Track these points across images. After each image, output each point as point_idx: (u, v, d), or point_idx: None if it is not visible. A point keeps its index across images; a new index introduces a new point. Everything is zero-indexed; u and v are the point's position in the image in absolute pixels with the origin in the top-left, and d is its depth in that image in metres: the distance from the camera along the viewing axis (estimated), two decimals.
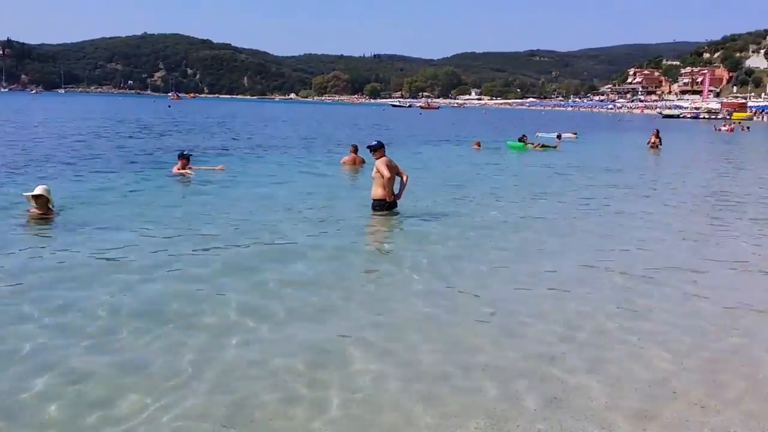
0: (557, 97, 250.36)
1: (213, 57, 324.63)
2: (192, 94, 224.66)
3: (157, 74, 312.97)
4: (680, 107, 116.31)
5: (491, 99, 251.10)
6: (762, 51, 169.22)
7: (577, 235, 9.54)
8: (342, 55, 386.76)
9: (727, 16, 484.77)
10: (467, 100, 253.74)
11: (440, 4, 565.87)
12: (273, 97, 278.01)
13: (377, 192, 10.06)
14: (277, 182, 14.73)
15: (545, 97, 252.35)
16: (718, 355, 4.97)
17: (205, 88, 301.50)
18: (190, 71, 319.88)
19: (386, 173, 9.85)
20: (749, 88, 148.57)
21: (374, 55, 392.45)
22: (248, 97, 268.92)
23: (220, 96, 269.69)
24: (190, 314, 5.49)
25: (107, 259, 7.27)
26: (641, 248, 8.63)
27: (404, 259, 7.64)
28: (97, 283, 6.32)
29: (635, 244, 8.83)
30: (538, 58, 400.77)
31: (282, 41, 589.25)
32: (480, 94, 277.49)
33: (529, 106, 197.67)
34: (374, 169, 10.10)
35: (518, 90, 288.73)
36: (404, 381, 4.29)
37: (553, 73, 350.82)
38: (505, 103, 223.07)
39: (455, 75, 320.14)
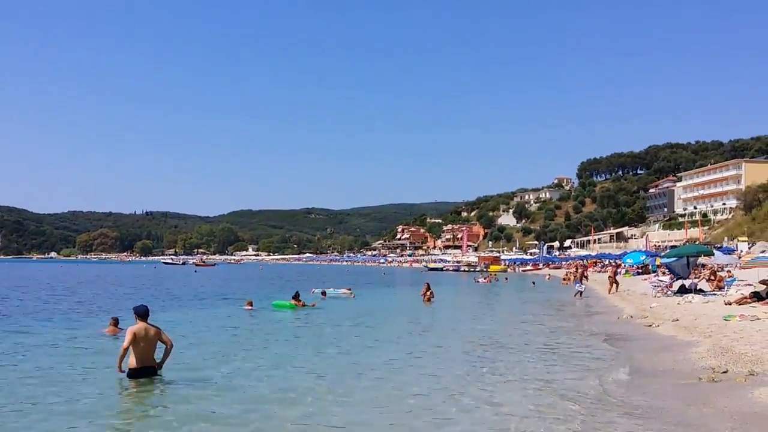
0: (332, 252, 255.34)
1: None
2: None
3: None
4: (444, 261, 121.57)
5: (268, 255, 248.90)
6: (510, 210, 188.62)
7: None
8: (111, 212, 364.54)
9: (480, 181, 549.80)
10: (245, 255, 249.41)
11: (213, 163, 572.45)
12: (30, 256, 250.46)
13: (130, 360, 9.56)
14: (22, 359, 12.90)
15: (321, 252, 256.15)
16: None
17: None
18: None
19: (124, 344, 9.53)
20: (502, 243, 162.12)
21: (146, 213, 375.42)
22: (2, 257, 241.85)
23: None
24: None
25: None
26: None
27: None
28: None
29: None
30: (313, 216, 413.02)
31: (43, 198, 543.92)
32: (257, 250, 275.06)
33: (305, 261, 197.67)
34: None
35: (295, 246, 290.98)
36: None
37: (328, 230, 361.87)
38: (283, 259, 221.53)
39: (231, 231, 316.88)
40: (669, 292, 27.70)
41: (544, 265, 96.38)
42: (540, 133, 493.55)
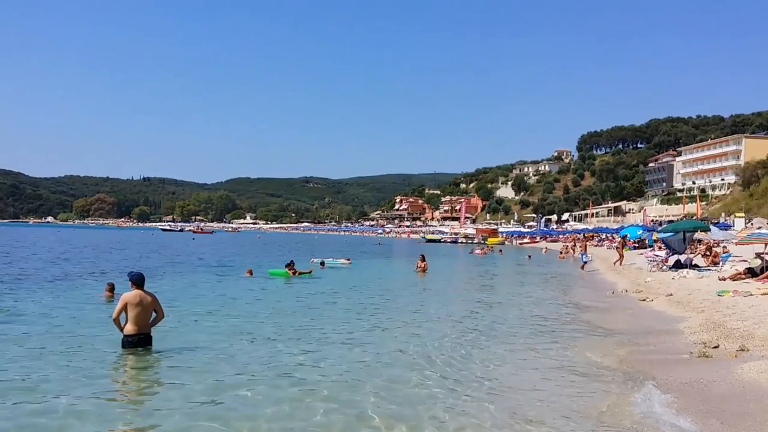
0: (330, 222, 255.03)
1: None
2: None
3: None
4: (442, 232, 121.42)
5: (266, 223, 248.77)
6: (509, 183, 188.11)
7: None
8: (108, 177, 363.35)
9: (479, 152, 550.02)
10: (242, 224, 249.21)
11: (211, 130, 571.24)
12: (27, 220, 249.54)
13: (126, 327, 9.53)
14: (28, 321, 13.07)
15: (319, 222, 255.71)
16: None
17: None
18: None
19: (113, 314, 9.58)
20: (500, 216, 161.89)
21: (143, 178, 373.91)
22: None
23: None
24: None
25: None
26: None
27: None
28: None
29: None
30: (311, 185, 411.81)
31: (39, 161, 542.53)
32: (255, 218, 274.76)
33: (303, 231, 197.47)
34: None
35: (293, 215, 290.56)
36: None
37: (326, 199, 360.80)
38: (280, 228, 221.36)
39: (230, 199, 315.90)
40: (664, 267, 27.76)
41: (541, 238, 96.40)
42: (541, 106, 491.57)
